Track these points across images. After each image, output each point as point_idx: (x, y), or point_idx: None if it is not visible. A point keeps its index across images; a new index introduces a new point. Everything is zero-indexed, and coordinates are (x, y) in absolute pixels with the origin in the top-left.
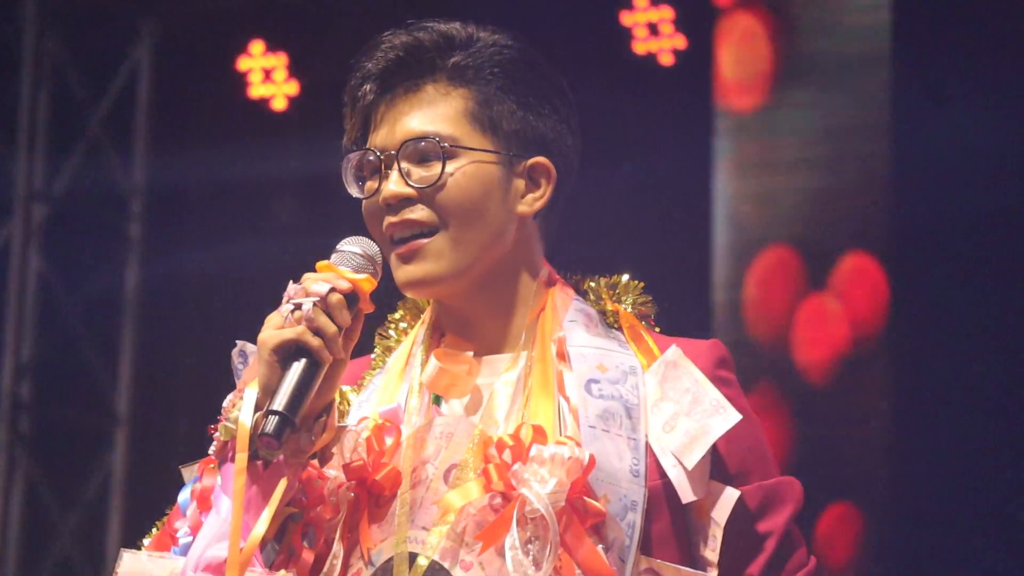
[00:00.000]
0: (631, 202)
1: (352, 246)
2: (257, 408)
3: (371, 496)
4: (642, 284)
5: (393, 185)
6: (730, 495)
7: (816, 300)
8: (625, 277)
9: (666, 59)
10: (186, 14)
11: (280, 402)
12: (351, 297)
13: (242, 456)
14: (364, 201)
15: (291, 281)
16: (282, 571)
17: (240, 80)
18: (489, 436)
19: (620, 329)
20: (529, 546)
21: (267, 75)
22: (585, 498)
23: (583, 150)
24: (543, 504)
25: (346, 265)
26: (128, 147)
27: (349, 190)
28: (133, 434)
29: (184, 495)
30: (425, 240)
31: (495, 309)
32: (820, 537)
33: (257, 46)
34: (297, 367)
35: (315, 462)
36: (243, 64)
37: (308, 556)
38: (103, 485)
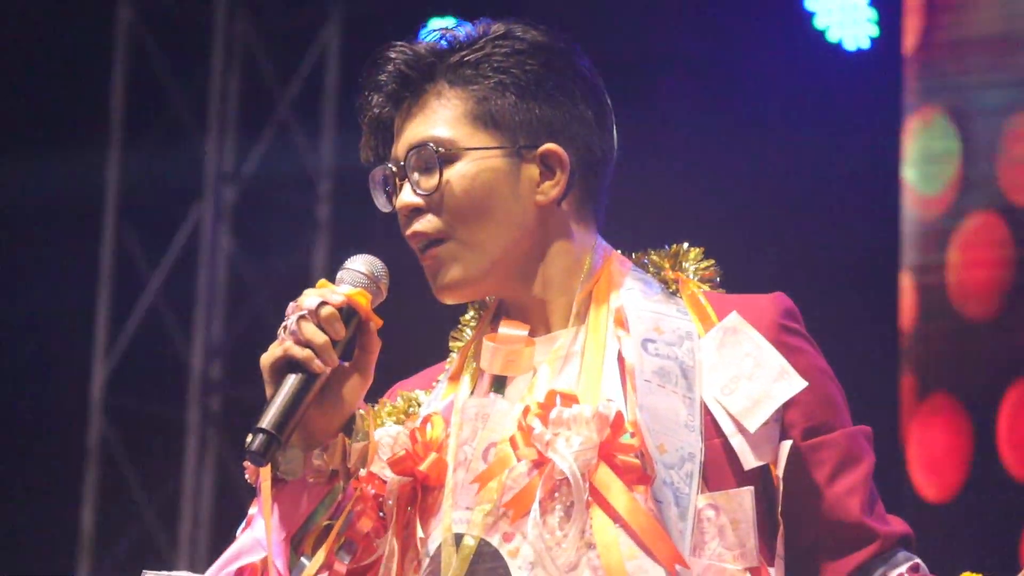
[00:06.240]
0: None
1: (355, 263)
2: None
3: (422, 488)
4: (702, 250)
5: (403, 196)
6: (785, 447)
7: None
8: (685, 245)
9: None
10: None
11: (264, 419)
12: (347, 311)
13: (265, 484)
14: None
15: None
16: None
17: None
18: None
19: (680, 296)
20: (560, 508)
21: None
22: (619, 456)
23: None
24: (567, 465)
25: (346, 282)
26: (316, 129)
27: (378, 205)
28: None
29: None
30: (438, 248)
31: (542, 293)
32: None
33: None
34: (286, 382)
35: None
36: None
37: (340, 568)
38: None
